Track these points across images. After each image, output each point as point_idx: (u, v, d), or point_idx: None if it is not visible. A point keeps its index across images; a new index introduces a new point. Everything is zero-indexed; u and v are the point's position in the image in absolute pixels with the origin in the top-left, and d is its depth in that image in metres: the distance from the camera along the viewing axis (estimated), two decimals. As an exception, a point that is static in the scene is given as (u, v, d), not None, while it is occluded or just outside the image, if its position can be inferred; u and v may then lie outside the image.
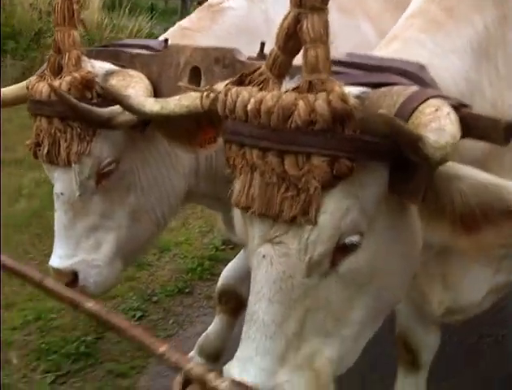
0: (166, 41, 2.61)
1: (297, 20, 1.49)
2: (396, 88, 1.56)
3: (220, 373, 1.47)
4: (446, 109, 1.47)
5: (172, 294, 4.34)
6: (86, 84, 2.41)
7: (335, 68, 1.57)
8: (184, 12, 15.79)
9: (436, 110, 1.47)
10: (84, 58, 2.50)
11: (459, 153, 1.50)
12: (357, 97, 1.52)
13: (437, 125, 1.42)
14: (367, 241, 1.58)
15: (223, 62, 2.34)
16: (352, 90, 1.53)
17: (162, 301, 4.26)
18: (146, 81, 2.50)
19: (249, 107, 1.54)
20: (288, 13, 1.52)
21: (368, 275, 1.61)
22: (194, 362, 1.43)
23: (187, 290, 4.39)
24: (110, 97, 2.15)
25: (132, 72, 2.52)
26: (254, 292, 1.58)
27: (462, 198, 1.52)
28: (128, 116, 2.27)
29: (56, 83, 2.41)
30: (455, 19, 1.91)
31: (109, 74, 2.50)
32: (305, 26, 1.47)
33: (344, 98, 1.45)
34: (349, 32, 2.89)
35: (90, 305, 1.55)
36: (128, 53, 2.64)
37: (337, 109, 1.45)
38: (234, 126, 1.60)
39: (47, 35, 10.20)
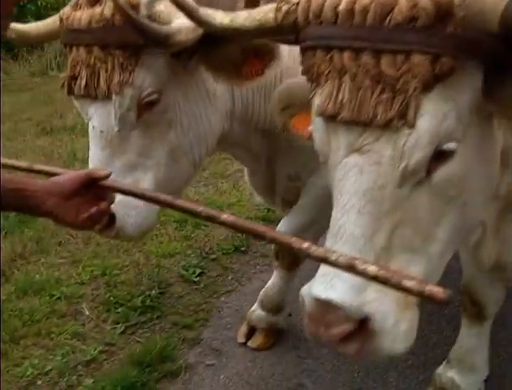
0: None
1: None
2: None
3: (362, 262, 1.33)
4: None
5: (229, 252, 4.45)
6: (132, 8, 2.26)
7: None
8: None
9: None
10: None
11: None
12: None
13: None
14: (461, 150, 1.53)
15: None
16: None
17: (219, 259, 4.37)
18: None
19: (341, 8, 1.49)
20: None
21: (458, 186, 1.57)
22: (338, 252, 1.35)
23: (242, 248, 4.49)
24: (179, 8, 2.01)
25: None
26: (340, 205, 1.53)
27: None
28: (184, 36, 2.22)
29: (98, 9, 2.31)
30: None
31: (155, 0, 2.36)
32: None
33: None
34: None
35: (225, 216, 1.57)
36: None
37: (441, 3, 1.40)
38: (319, 30, 1.55)
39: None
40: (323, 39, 1.54)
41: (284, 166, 3.12)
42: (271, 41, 2.12)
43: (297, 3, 1.64)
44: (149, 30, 2.19)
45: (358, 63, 1.47)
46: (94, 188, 1.83)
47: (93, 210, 1.81)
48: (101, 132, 2.40)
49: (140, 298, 3.84)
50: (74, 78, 2.40)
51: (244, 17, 1.85)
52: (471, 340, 2.88)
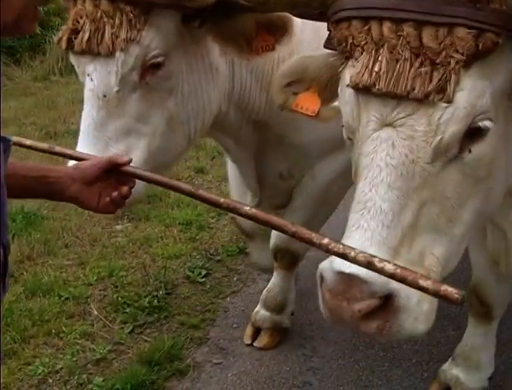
0: None
1: None
2: None
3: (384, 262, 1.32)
4: None
5: (234, 254, 4.50)
6: None
7: None
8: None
9: None
10: None
11: None
12: None
13: None
14: (493, 131, 1.53)
15: None
16: None
17: (224, 261, 4.42)
18: None
19: None
20: None
21: (487, 168, 1.57)
22: (357, 250, 1.35)
23: (247, 250, 4.53)
24: None
25: None
26: (369, 178, 1.51)
27: None
28: None
29: None
30: None
31: None
32: None
33: None
34: None
35: (247, 209, 1.59)
36: None
37: None
38: (356, 0, 1.53)
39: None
40: (360, 9, 1.52)
41: (274, 163, 3.08)
42: (293, 14, 2.09)
43: None
44: None
45: (399, 35, 1.45)
46: (115, 174, 1.88)
47: (115, 194, 1.87)
48: (99, 91, 2.30)
49: (147, 299, 3.89)
50: (76, 32, 2.28)
51: None
52: (477, 339, 2.92)
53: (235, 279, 4.22)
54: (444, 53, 1.42)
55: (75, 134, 7.13)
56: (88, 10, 2.25)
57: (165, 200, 5.18)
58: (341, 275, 1.45)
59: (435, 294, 1.27)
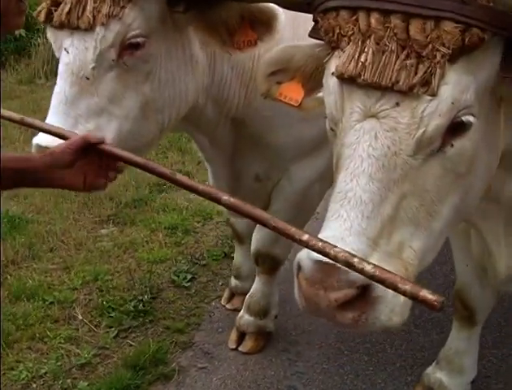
0: None
1: None
2: None
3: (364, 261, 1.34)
4: None
5: (219, 258, 4.51)
6: None
7: None
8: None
9: None
10: None
11: None
12: None
13: None
14: (476, 126, 1.55)
15: None
16: None
17: (209, 265, 4.42)
18: None
19: None
20: None
21: (468, 163, 1.58)
22: (339, 248, 1.35)
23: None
24: None
25: None
26: (351, 169, 1.51)
27: None
28: None
29: None
30: None
31: None
32: None
33: None
34: None
35: (226, 198, 1.57)
36: None
37: None
38: None
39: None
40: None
41: (251, 164, 3.04)
42: (282, 6, 2.08)
43: None
44: None
45: (386, 26, 1.46)
46: (92, 151, 1.88)
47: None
48: (74, 66, 2.24)
49: (132, 303, 3.88)
50: (56, 4, 2.23)
51: None
52: (461, 343, 2.95)
53: (220, 283, 4.22)
54: (430, 46, 1.43)
55: (60, 138, 7.18)
56: None
57: (150, 204, 5.18)
58: (319, 263, 1.44)
59: (413, 298, 1.28)
